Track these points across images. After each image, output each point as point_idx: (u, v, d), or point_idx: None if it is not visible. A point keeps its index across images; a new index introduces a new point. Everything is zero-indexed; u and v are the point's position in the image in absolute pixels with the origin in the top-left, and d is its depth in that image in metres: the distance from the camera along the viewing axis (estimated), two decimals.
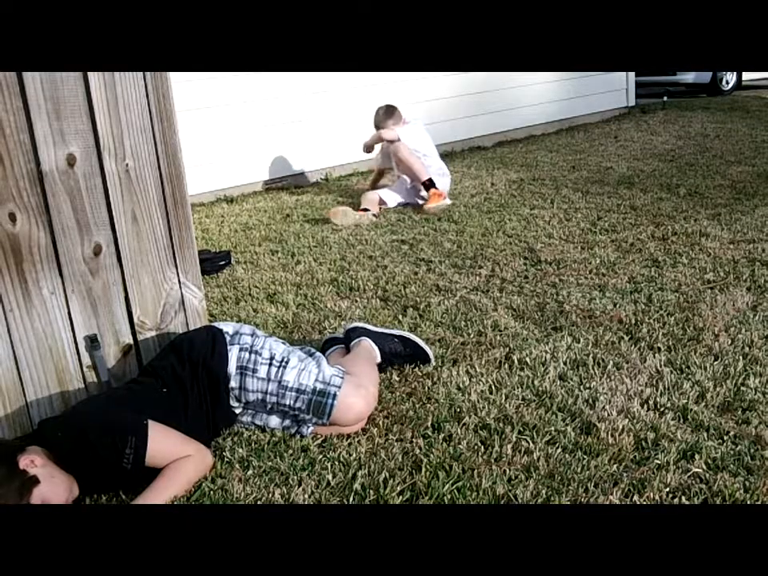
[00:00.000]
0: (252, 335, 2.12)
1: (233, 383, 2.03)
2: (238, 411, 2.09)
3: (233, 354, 2.05)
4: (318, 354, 2.17)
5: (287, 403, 2.01)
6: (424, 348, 2.42)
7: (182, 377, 2.01)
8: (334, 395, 2.00)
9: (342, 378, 2.05)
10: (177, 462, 1.83)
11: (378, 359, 2.35)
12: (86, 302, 2.14)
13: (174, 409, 1.96)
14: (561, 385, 2.23)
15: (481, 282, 3.25)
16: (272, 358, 2.05)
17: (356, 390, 2.04)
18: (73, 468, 1.80)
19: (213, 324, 2.21)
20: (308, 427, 2.06)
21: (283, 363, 2.04)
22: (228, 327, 2.14)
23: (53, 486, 1.73)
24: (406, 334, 2.45)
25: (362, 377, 2.14)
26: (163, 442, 1.84)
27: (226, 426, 2.10)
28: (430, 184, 4.64)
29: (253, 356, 2.04)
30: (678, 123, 7.62)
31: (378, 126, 4.91)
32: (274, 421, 2.10)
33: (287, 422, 2.09)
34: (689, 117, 7.99)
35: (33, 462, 1.72)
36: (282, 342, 2.16)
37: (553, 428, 1.99)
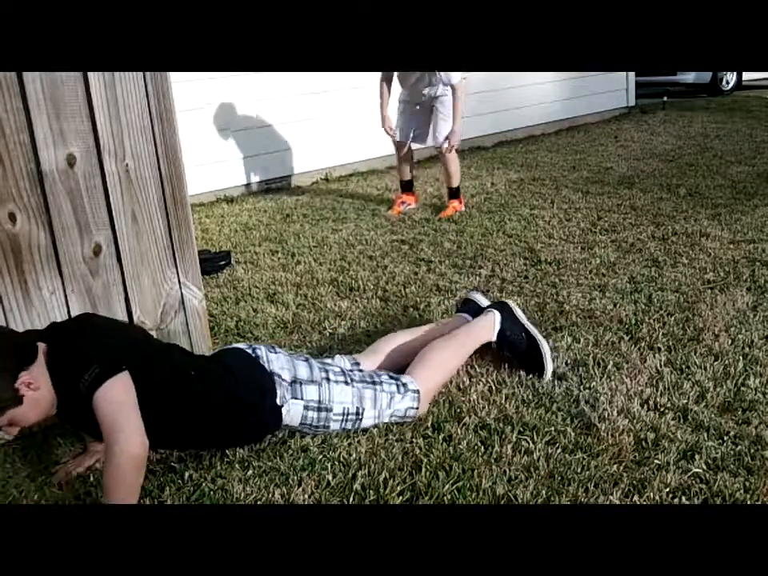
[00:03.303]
0: (313, 382, 2.00)
1: (293, 426, 2.01)
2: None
3: (295, 409, 1.96)
4: (383, 374, 2.12)
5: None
6: (544, 362, 2.27)
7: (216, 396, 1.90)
8: (414, 415, 2.08)
9: (416, 407, 2.07)
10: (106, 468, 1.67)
11: (493, 338, 2.35)
12: (85, 302, 2.14)
13: (183, 387, 1.85)
14: (561, 385, 2.23)
15: (481, 282, 3.25)
16: (345, 414, 2.01)
17: (425, 402, 2.11)
18: (55, 375, 1.73)
19: (262, 362, 1.99)
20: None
21: (359, 416, 2.03)
22: (283, 370, 1.98)
23: (29, 411, 1.69)
24: (541, 340, 2.31)
25: (429, 380, 2.14)
26: (118, 391, 1.69)
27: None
28: (454, 193, 4.59)
29: (323, 413, 1.99)
30: (678, 123, 7.61)
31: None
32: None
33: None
34: (689, 117, 7.98)
35: (29, 385, 1.67)
36: (342, 378, 2.05)
37: (553, 428, 1.99)
